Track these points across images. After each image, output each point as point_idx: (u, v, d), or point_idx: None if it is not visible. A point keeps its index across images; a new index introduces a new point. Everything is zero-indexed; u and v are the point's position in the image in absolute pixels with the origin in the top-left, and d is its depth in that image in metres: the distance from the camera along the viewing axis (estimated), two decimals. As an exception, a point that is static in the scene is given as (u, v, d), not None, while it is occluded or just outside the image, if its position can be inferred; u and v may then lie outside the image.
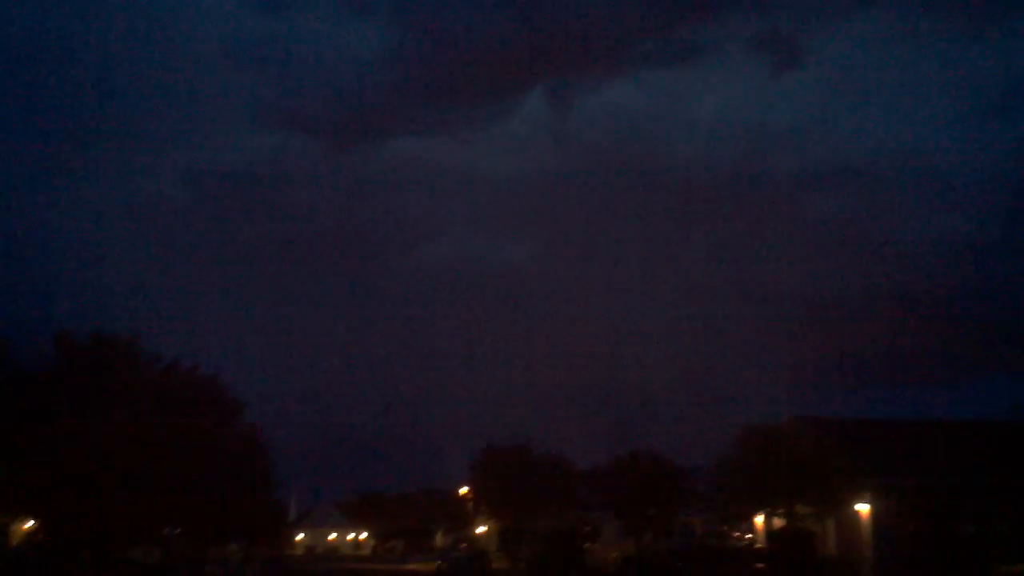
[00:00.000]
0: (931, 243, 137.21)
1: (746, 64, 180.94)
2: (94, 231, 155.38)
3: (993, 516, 41.47)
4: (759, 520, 49.23)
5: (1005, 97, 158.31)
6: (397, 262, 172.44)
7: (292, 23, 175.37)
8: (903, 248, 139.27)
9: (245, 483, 48.97)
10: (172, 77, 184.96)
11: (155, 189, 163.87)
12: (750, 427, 43.29)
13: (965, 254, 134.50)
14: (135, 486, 36.26)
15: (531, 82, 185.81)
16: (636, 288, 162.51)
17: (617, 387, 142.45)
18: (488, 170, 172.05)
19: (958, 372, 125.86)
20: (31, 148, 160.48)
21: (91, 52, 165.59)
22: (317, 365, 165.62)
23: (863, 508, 41.42)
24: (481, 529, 75.50)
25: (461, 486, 73.08)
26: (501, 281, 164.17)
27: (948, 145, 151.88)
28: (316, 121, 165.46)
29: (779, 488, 40.95)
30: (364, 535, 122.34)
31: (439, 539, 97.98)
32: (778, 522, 43.95)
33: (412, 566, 71.45)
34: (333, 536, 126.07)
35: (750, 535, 52.89)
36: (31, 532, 41.60)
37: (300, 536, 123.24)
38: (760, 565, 41.50)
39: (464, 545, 74.28)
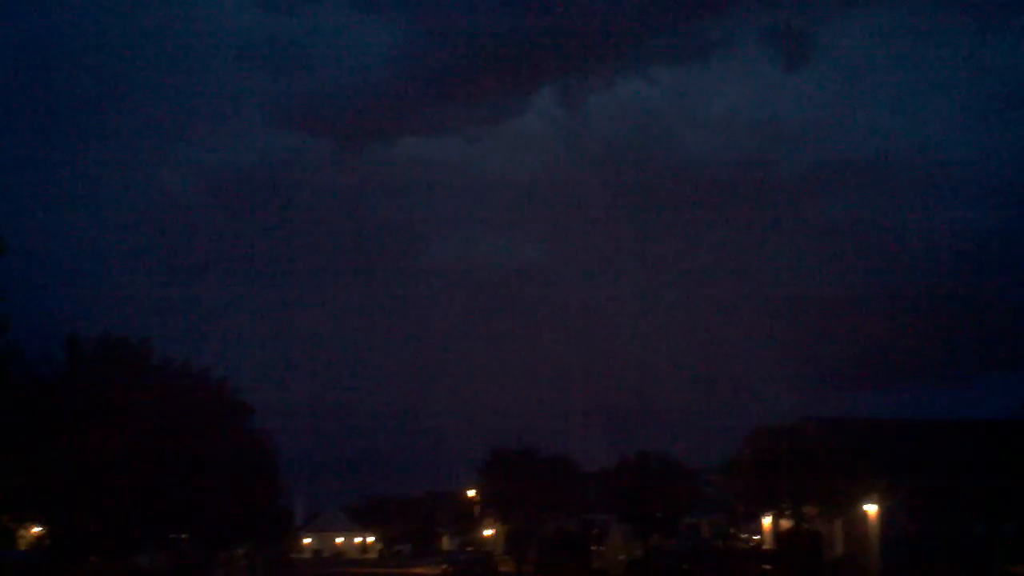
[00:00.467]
0: (943, 241, 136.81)
1: (758, 60, 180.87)
2: (103, 233, 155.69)
3: (1002, 516, 41.35)
4: (766, 521, 49.16)
5: (1018, 92, 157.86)
6: (405, 263, 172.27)
7: (301, 22, 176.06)
8: (914, 246, 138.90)
9: (252, 487, 49.02)
10: (182, 77, 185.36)
11: (164, 189, 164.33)
12: (757, 428, 43.26)
13: (976, 251, 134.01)
14: (143, 491, 36.34)
15: (541, 80, 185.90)
16: (644, 288, 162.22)
17: (624, 388, 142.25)
18: (498, 169, 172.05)
19: (967, 371, 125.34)
20: (38, 148, 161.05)
21: (101, 52, 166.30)
22: (324, 367, 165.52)
23: (871, 508, 41.33)
24: (488, 532, 75.49)
25: (468, 489, 73.02)
26: (509, 281, 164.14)
27: (960, 141, 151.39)
28: (325, 120, 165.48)
29: (786, 489, 40.89)
30: (371, 539, 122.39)
31: (446, 542, 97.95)
32: (785, 523, 43.88)
33: (419, 569, 71.43)
34: (340, 540, 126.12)
35: (757, 536, 52.81)
36: (39, 536, 41.68)
37: (307, 540, 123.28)
38: (767, 566, 41.45)
39: (471, 548, 74.30)
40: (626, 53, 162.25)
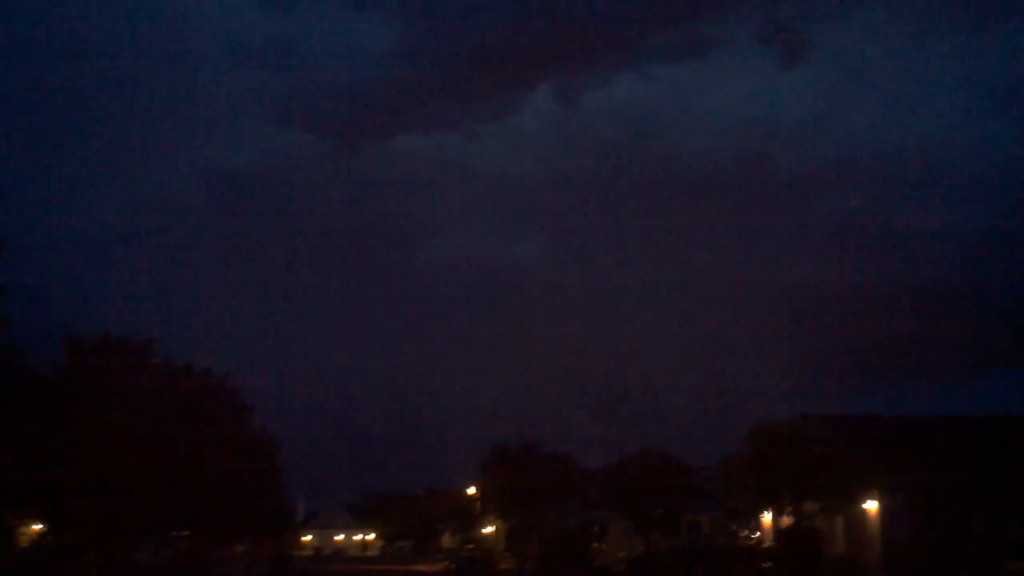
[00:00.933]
0: (940, 238, 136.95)
1: (754, 58, 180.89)
2: (105, 231, 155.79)
3: (1003, 513, 41.34)
4: (767, 518, 49.14)
5: (1013, 90, 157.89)
6: (405, 260, 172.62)
7: (301, 21, 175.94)
8: (913, 243, 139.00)
9: (253, 485, 49.05)
10: (182, 76, 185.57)
11: (165, 188, 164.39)
12: (758, 425, 43.17)
13: (975, 249, 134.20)
14: (143, 488, 36.34)
15: (539, 78, 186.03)
16: (644, 285, 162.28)
17: (624, 385, 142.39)
18: (496, 166, 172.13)
19: (968, 368, 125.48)
20: (41, 148, 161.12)
21: (101, 52, 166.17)
22: (325, 364, 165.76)
23: (871, 506, 41.32)
24: (489, 529, 75.48)
25: (468, 486, 73.08)
26: (509, 278, 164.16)
27: (956, 138, 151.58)
28: (325, 118, 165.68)
29: (787, 486, 40.82)
30: (372, 536, 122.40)
31: (446, 539, 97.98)
32: (786, 520, 43.85)
33: (420, 567, 71.46)
34: (341, 537, 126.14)
35: (758, 534, 52.80)
36: (40, 534, 41.70)
37: (308, 537, 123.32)
38: (768, 564, 41.42)
39: (471, 546, 74.31)
40: (623, 51, 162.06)
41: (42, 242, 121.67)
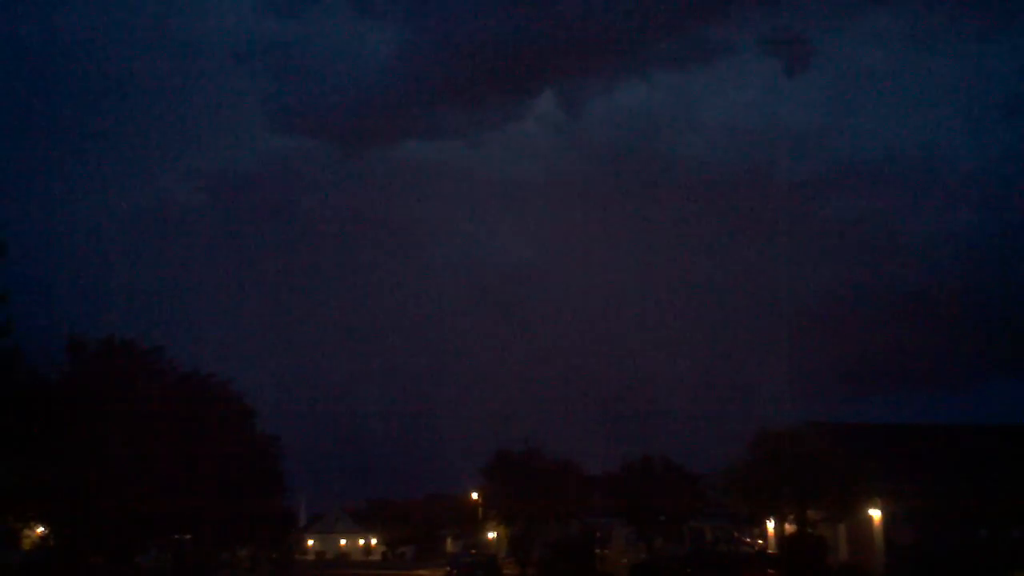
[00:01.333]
0: (945, 245, 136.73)
1: (758, 65, 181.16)
2: (107, 236, 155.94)
3: (1007, 521, 41.21)
4: (770, 525, 49.03)
5: (1018, 98, 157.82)
6: (407, 265, 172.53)
7: (304, 27, 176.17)
8: (916, 250, 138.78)
9: (255, 489, 49.08)
10: (185, 81, 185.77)
11: (167, 193, 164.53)
12: (761, 432, 43.09)
13: (979, 256, 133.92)
14: (146, 492, 36.38)
15: (542, 84, 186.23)
16: (646, 291, 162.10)
17: (627, 392, 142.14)
18: (499, 172, 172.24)
19: (971, 376, 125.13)
20: (43, 152, 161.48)
21: (103, 56, 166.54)
22: (327, 369, 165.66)
23: (875, 513, 41.20)
24: (491, 535, 75.39)
25: (471, 492, 73.01)
26: (513, 284, 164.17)
27: (961, 145, 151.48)
28: (327, 124, 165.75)
29: (790, 493, 40.75)
30: (374, 541, 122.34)
31: (449, 545, 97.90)
32: (789, 528, 43.76)
33: (422, 572, 71.40)
34: (343, 542, 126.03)
35: (761, 541, 52.68)
36: (43, 537, 41.74)
37: (310, 542, 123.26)
38: (771, 571, 41.32)
39: (474, 551, 74.21)
40: (627, 58, 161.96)
41: (43, 245, 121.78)
